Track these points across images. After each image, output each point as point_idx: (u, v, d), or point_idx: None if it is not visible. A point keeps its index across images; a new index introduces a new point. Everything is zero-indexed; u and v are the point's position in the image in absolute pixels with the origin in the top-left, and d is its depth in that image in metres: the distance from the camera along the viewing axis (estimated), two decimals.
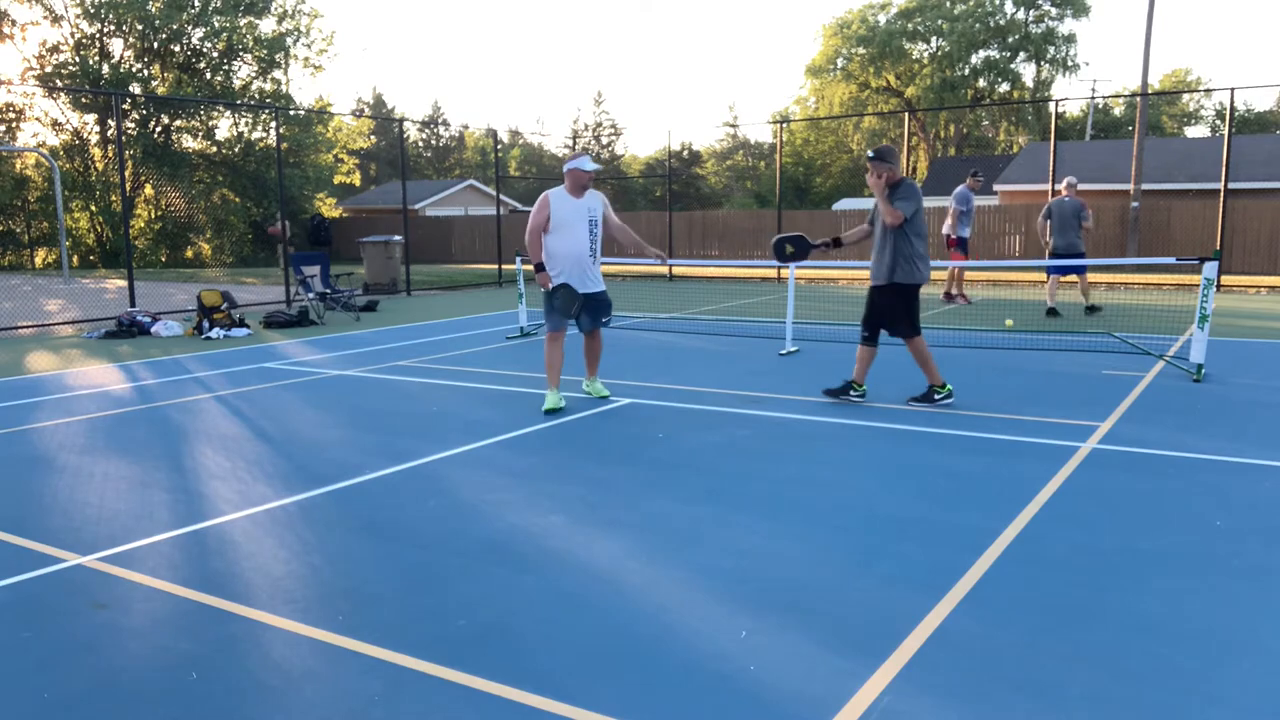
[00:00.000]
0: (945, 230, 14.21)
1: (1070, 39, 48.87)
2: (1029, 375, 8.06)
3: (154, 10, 30.96)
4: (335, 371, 8.90)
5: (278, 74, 34.42)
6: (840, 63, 52.42)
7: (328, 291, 13.95)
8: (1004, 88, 50.85)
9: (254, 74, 34.34)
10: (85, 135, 32.72)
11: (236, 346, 10.93)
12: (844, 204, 36.10)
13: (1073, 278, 14.07)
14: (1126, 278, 19.09)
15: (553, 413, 6.75)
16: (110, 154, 31.33)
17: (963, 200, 13.92)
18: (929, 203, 29.29)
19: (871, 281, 6.82)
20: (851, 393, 7.02)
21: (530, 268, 7.23)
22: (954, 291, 14.65)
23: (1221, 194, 16.97)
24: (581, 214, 6.76)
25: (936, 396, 6.82)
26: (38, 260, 32.33)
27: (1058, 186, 13.20)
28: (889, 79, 51.67)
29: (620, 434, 6.14)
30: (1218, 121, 53.42)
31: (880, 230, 6.73)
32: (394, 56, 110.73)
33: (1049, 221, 12.49)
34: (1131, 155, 21.63)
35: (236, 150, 32.85)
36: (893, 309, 6.71)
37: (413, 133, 69.13)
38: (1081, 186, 25.76)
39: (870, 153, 6.65)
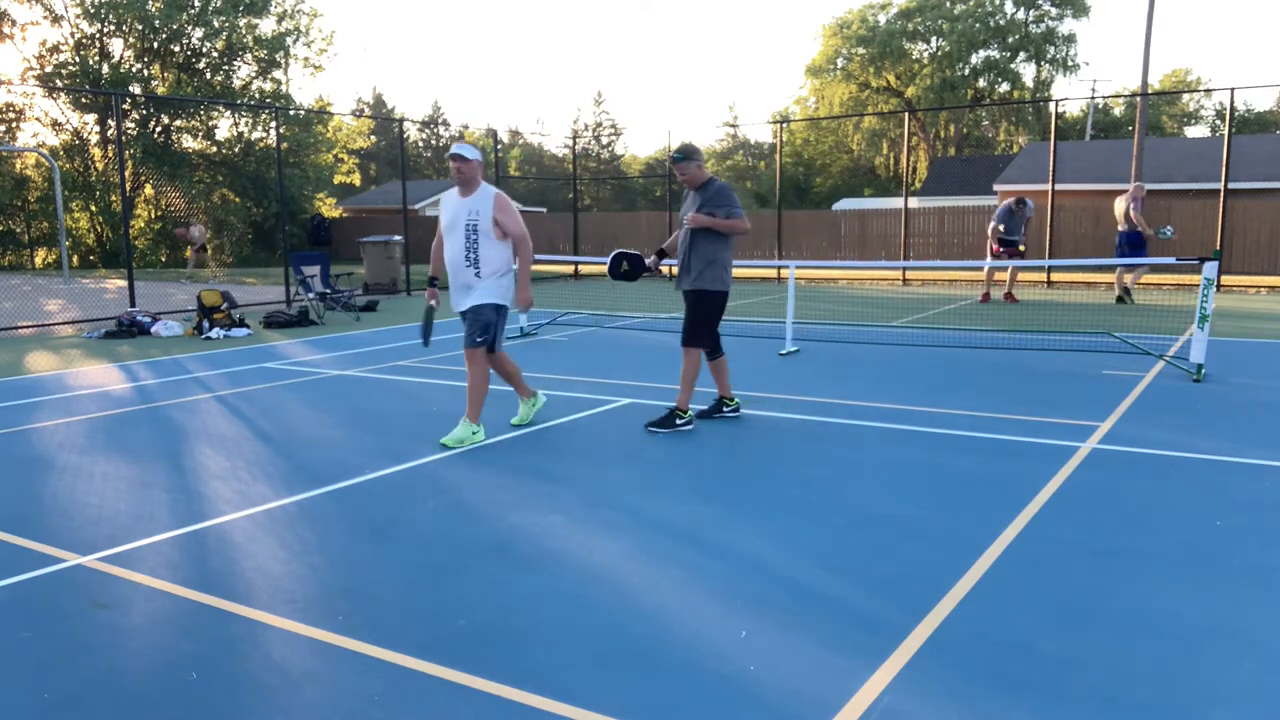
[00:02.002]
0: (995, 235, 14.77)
1: (1070, 39, 48.92)
2: (1029, 375, 8.06)
3: (154, 10, 30.94)
4: (335, 371, 8.90)
5: (278, 74, 34.42)
6: (840, 63, 52.43)
7: (328, 291, 13.95)
8: (1004, 88, 50.87)
9: (254, 74, 34.33)
10: (85, 135, 32.71)
11: (236, 346, 10.93)
12: (844, 204, 36.10)
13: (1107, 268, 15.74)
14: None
15: (461, 442, 5.89)
16: (110, 154, 31.32)
17: (1000, 217, 14.61)
18: (931, 203, 29.37)
19: (683, 287, 6.30)
20: (725, 409, 6.55)
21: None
22: (1010, 291, 15.16)
23: (1221, 194, 16.98)
24: (460, 216, 5.87)
25: (679, 421, 6.23)
26: (38, 260, 32.32)
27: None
28: (889, 79, 51.68)
29: (620, 434, 6.14)
30: (1218, 121, 53.42)
31: (692, 233, 6.22)
32: (394, 56, 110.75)
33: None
34: (1131, 155, 21.62)
35: (236, 150, 32.86)
36: (696, 315, 6.24)
37: (413, 133, 69.14)
38: (1081, 186, 25.88)
39: (676, 154, 6.13)
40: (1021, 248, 14.54)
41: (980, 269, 16.52)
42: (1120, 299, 14.07)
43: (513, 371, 6.35)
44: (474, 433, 5.98)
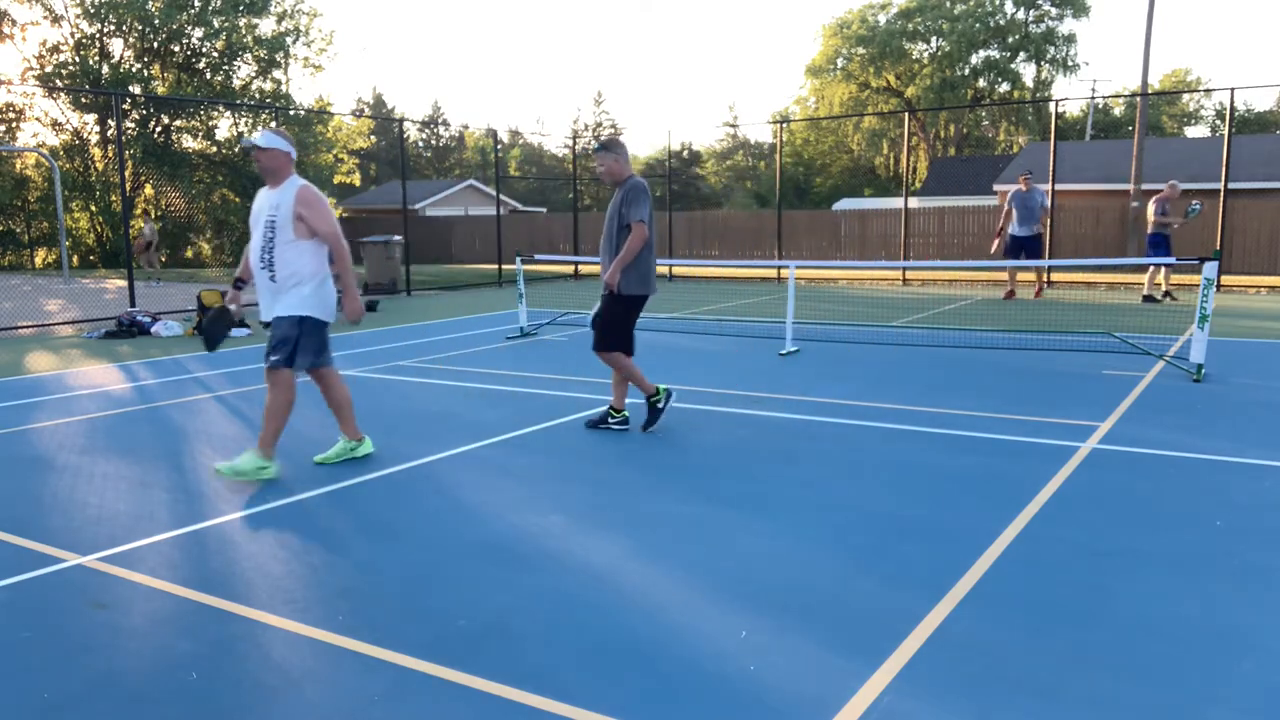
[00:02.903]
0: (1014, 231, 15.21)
1: (1070, 39, 48.92)
2: (1029, 375, 8.06)
3: (154, 10, 30.95)
4: None
5: (278, 74, 34.43)
6: (840, 63, 52.43)
7: None
8: (1004, 88, 50.87)
9: (254, 74, 34.34)
10: (85, 135, 32.73)
11: (236, 346, 10.93)
12: (844, 204, 36.12)
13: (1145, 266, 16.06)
14: (1126, 278, 19.09)
15: (241, 474, 5.10)
16: (110, 154, 31.33)
17: (1011, 201, 15.09)
18: (931, 203, 29.33)
19: (602, 291, 6.11)
20: (611, 420, 6.25)
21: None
22: (1013, 289, 15.64)
23: (1221, 194, 16.98)
24: (262, 211, 5.12)
25: (611, 420, 6.19)
26: (38, 260, 32.34)
27: (1160, 188, 14.67)
28: (889, 79, 51.67)
29: (620, 434, 6.14)
30: (1218, 121, 53.41)
31: (611, 232, 5.97)
32: (394, 56, 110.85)
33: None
34: (1131, 155, 21.61)
35: (236, 150, 32.84)
36: (606, 316, 6.03)
37: (413, 133, 69.14)
38: (1081, 186, 25.87)
39: (595, 144, 5.99)
40: (1039, 233, 14.87)
41: (977, 269, 16.76)
42: (1149, 298, 14.35)
43: (341, 400, 5.45)
44: (260, 468, 5.10)
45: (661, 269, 22.46)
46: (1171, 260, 8.83)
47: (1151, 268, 14.79)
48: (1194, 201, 13.90)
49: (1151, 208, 13.87)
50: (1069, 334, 10.64)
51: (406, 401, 7.39)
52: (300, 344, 5.12)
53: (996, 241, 15.16)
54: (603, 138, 6.04)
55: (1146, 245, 14.13)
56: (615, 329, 6.03)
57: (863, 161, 55.62)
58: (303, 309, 5.11)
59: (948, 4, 49.29)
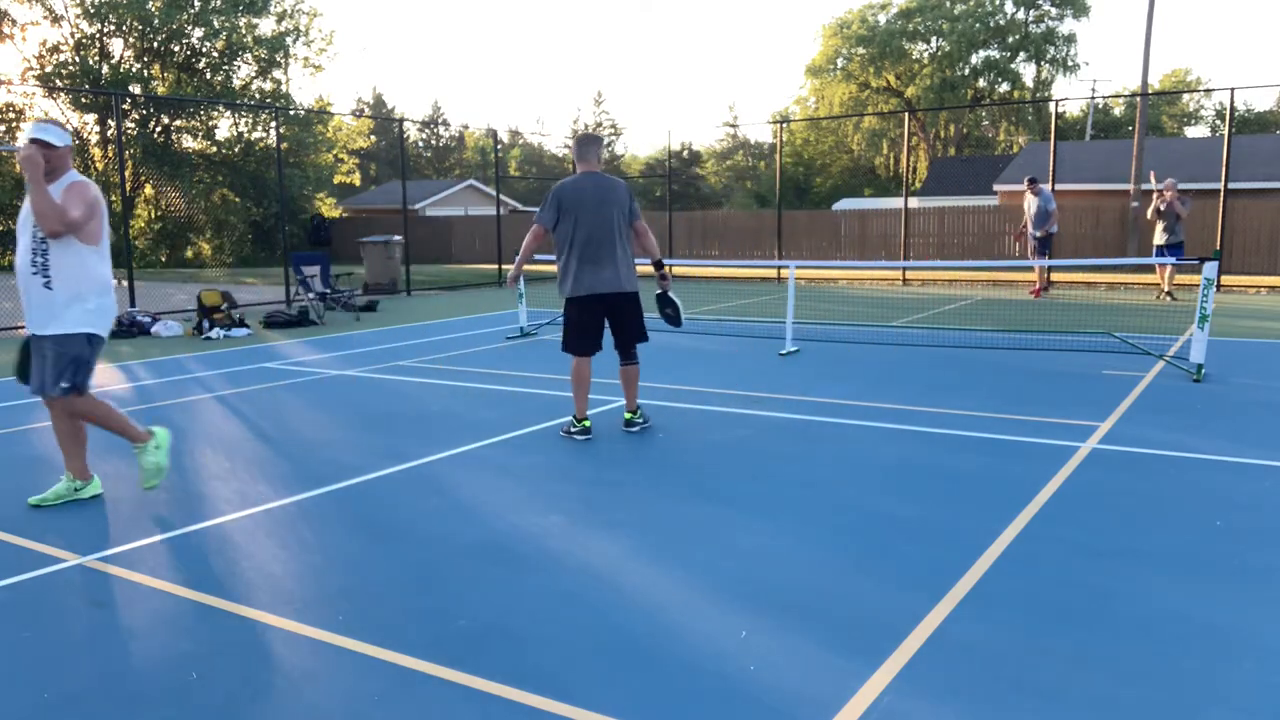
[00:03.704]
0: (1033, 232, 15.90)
1: (1070, 39, 48.91)
2: (1029, 375, 8.06)
3: (154, 10, 30.94)
4: (335, 371, 8.90)
5: (278, 74, 34.41)
6: (840, 63, 52.41)
7: (328, 291, 13.96)
8: (1004, 88, 50.86)
9: (254, 74, 34.33)
10: (85, 135, 32.67)
11: (236, 346, 10.93)
12: (844, 204, 36.10)
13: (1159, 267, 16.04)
14: (1126, 278, 19.09)
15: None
16: (110, 154, 31.31)
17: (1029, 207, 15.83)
18: (931, 203, 29.29)
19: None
20: (625, 420, 6.29)
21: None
22: (1040, 286, 16.34)
23: (1221, 194, 16.98)
24: (30, 214, 4.49)
25: (571, 429, 6.10)
26: None
27: (1159, 187, 14.86)
28: (889, 79, 51.67)
29: (620, 434, 6.14)
30: (1218, 121, 53.40)
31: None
32: (394, 56, 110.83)
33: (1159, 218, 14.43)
34: (1131, 155, 21.60)
35: (236, 150, 32.83)
36: (564, 319, 6.12)
37: (413, 133, 69.13)
38: (1081, 186, 25.88)
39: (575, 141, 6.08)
40: (1045, 232, 15.34)
41: (976, 269, 17.03)
42: (1170, 295, 14.65)
43: (75, 431, 4.85)
44: (77, 489, 4.84)
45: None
46: (1171, 261, 8.82)
47: (1158, 267, 14.93)
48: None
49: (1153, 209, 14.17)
50: (1069, 334, 10.64)
51: (406, 401, 7.39)
52: (90, 363, 4.72)
53: (1020, 237, 16.07)
54: (583, 135, 6.12)
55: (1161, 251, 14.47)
56: (565, 329, 6.10)
57: (863, 161, 55.61)
58: (88, 324, 4.62)
59: (948, 4, 49.28)
